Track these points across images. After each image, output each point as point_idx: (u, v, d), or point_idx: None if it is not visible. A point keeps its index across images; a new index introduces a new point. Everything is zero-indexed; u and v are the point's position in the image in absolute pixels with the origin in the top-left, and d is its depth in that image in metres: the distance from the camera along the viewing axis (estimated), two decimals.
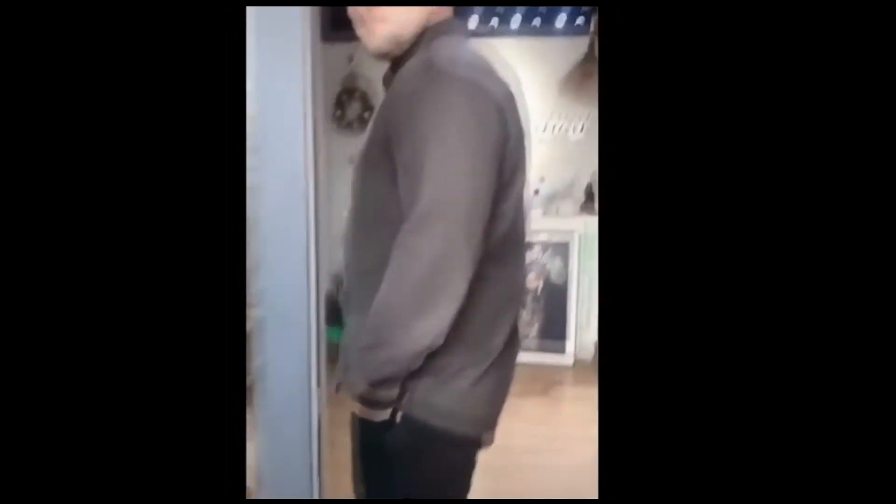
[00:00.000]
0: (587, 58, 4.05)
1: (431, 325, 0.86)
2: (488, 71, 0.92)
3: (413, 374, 0.91)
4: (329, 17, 2.86)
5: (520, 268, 1.04)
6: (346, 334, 1.05)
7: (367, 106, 4.50)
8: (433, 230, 0.84)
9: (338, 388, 1.05)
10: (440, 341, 0.88)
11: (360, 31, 0.96)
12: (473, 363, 0.96)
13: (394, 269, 0.87)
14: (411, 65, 0.91)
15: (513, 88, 0.96)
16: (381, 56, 0.98)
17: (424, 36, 0.95)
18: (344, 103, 4.54)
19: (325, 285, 0.69)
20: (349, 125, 4.56)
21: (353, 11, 0.95)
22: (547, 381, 3.27)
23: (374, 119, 0.95)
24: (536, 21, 4.00)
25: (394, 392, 0.92)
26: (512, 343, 1.04)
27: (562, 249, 3.53)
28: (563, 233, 3.52)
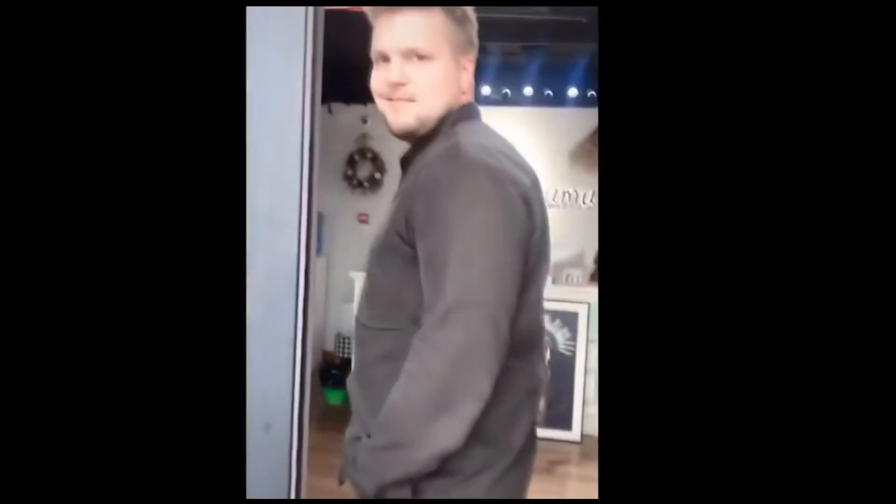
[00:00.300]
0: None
1: (453, 426, 0.81)
2: (515, 159, 0.91)
3: (427, 475, 0.85)
4: (344, 80, 2.91)
5: (540, 359, 0.99)
6: (353, 423, 0.98)
7: (379, 167, 4.57)
8: (458, 325, 0.80)
9: (341, 483, 0.98)
10: (461, 443, 0.82)
11: (384, 108, 0.95)
12: (492, 463, 0.90)
13: (414, 363, 0.82)
14: (436, 149, 0.90)
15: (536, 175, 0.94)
16: (404, 136, 0.96)
17: (447, 119, 0.94)
18: (356, 163, 4.61)
19: (310, 387, 0.63)
20: (360, 185, 4.62)
21: (379, 88, 0.94)
22: (552, 458, 3.13)
23: (395, 202, 0.93)
24: (548, 91, 4.08)
25: (405, 493, 0.85)
26: (531, 440, 0.97)
27: (570, 318, 3.46)
28: (573, 302, 3.46)
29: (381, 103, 0.95)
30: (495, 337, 0.81)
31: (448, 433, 0.80)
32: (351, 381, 0.99)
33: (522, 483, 0.97)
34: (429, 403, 0.80)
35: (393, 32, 0.91)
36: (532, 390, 0.95)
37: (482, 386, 0.81)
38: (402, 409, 0.82)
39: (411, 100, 0.92)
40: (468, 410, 0.80)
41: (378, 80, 0.94)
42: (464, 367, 0.80)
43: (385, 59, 0.92)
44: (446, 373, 0.79)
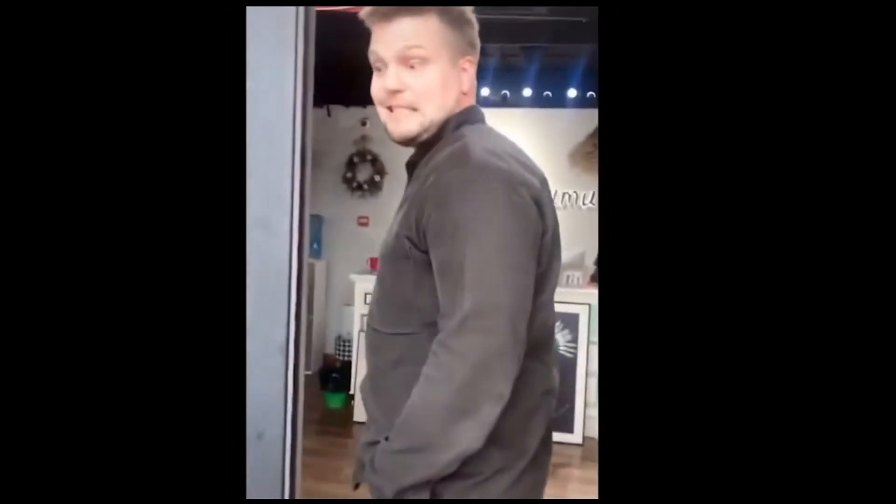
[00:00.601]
0: (599, 129, 4.10)
1: (474, 429, 0.81)
2: (523, 161, 0.91)
3: (444, 477, 0.85)
4: (343, 83, 2.91)
5: (554, 360, 1.00)
6: (368, 427, 0.99)
7: (379, 169, 4.56)
8: (477, 331, 0.81)
9: (356, 487, 0.99)
10: (480, 445, 0.83)
11: (384, 117, 0.95)
12: (508, 465, 0.90)
13: (434, 368, 0.83)
14: (443, 153, 0.89)
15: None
16: (405, 143, 0.96)
17: (449, 123, 0.94)
18: (356, 166, 4.59)
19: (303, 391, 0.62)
20: (360, 187, 4.60)
21: (378, 96, 0.94)
22: (554, 460, 3.11)
23: (404, 207, 0.93)
24: (547, 92, 4.08)
25: (424, 495, 0.85)
26: (547, 443, 0.98)
27: (571, 320, 3.45)
28: (573, 303, 3.45)
29: (381, 112, 0.95)
30: (514, 340, 0.81)
31: (469, 436, 0.81)
32: (364, 387, 1.00)
33: (539, 485, 0.97)
34: (450, 407, 0.80)
35: (388, 39, 0.91)
36: (547, 391, 0.96)
37: (502, 388, 0.81)
38: (423, 413, 0.82)
39: (411, 108, 0.91)
40: (489, 413, 0.81)
41: (376, 87, 0.93)
42: (484, 372, 0.80)
43: (383, 65, 0.92)
44: (467, 377, 0.80)
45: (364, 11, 0.92)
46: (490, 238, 0.82)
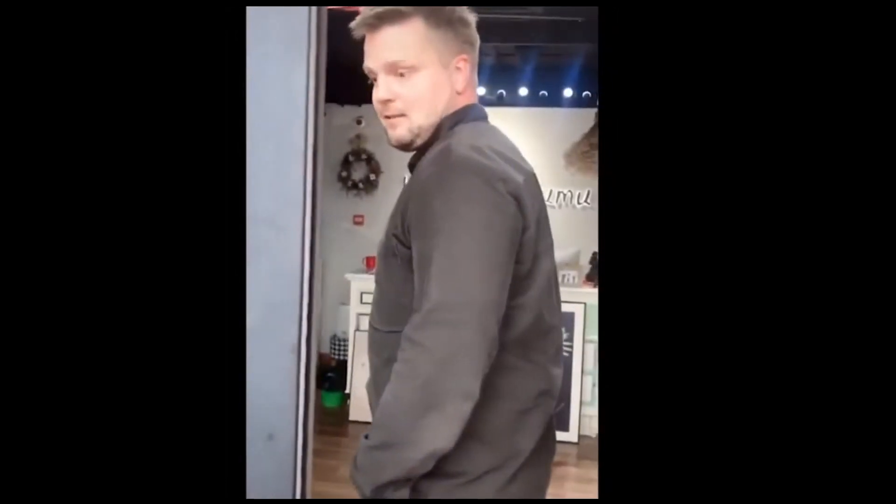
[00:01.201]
0: (595, 129, 4.11)
1: (441, 426, 0.79)
2: (509, 156, 0.90)
3: (427, 476, 0.84)
4: (338, 81, 2.90)
5: (551, 361, 0.97)
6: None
7: (374, 168, 4.54)
8: (441, 325, 0.79)
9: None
10: (451, 444, 0.81)
11: (384, 124, 0.97)
12: (499, 466, 0.89)
13: (401, 363, 0.82)
14: (431, 152, 0.91)
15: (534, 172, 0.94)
16: (403, 148, 0.97)
17: (444, 124, 0.94)
18: (350, 164, 4.58)
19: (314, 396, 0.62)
20: (355, 186, 4.59)
21: (375, 106, 0.95)
22: None
23: (395, 206, 0.94)
24: (543, 92, 4.08)
25: (403, 493, 0.84)
26: (546, 444, 0.97)
27: (567, 319, 3.46)
28: (569, 302, 3.46)
29: (382, 121, 0.96)
30: (481, 335, 0.80)
31: (437, 433, 0.80)
32: (368, 385, 1.00)
33: (538, 488, 0.96)
34: (415, 403, 0.79)
35: (375, 50, 0.92)
36: (543, 392, 0.94)
37: (469, 385, 0.79)
38: (392, 409, 0.82)
39: (403, 115, 0.93)
40: (456, 410, 0.79)
41: (374, 97, 0.95)
42: (448, 367, 0.79)
43: (375, 76, 0.94)
44: (431, 372, 0.79)
45: (353, 24, 0.93)
46: (461, 231, 0.81)
